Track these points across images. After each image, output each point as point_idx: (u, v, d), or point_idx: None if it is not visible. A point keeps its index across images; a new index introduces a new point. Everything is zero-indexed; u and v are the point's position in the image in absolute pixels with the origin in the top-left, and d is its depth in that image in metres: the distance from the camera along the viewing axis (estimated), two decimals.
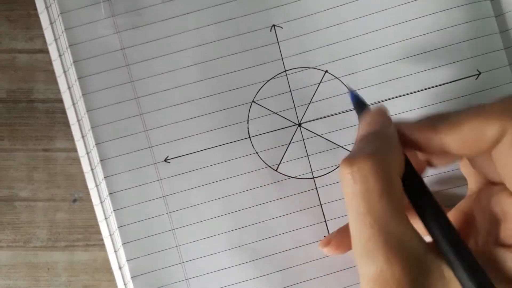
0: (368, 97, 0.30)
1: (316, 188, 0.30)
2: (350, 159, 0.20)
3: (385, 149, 0.20)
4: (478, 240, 0.23)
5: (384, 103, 0.30)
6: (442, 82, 0.29)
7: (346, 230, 0.28)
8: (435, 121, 0.22)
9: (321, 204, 0.30)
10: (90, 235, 0.31)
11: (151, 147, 0.30)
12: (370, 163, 0.19)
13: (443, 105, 0.29)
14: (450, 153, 0.22)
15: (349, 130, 0.30)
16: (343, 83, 0.30)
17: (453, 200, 0.28)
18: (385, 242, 0.19)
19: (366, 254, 0.19)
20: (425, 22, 0.29)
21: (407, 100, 0.30)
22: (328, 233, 0.30)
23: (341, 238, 0.28)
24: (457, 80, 0.29)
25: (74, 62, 0.30)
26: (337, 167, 0.30)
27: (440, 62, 0.29)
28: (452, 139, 0.21)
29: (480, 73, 0.29)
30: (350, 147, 0.30)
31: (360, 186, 0.19)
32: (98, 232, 0.30)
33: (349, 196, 0.20)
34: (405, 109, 0.30)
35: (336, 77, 0.30)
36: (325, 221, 0.30)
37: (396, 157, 0.21)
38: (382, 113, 0.23)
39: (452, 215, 0.25)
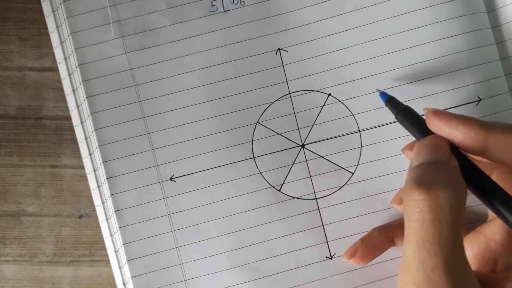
0: (370, 121, 0.31)
1: (319, 209, 0.31)
2: (426, 185, 0.20)
3: (458, 182, 0.21)
4: (497, 266, 0.24)
5: (386, 127, 0.31)
6: (443, 108, 0.30)
7: (370, 240, 0.29)
8: (486, 122, 0.23)
9: (323, 225, 0.31)
10: (96, 251, 0.32)
11: (157, 165, 0.31)
12: (450, 194, 0.20)
13: None
14: (487, 157, 0.22)
15: (351, 152, 0.31)
16: (347, 108, 0.31)
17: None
18: (450, 274, 0.19)
19: (428, 283, 0.19)
20: (428, 49, 0.31)
21: None
22: (330, 253, 0.31)
23: (366, 249, 0.29)
24: (458, 106, 0.30)
25: (83, 81, 0.31)
26: (339, 188, 0.31)
27: (441, 88, 0.31)
28: (497, 143, 0.22)
29: (480, 100, 0.30)
30: (352, 169, 0.31)
31: (434, 214, 0.19)
32: (103, 248, 0.31)
33: (418, 222, 0.20)
34: (405, 134, 0.31)
35: (339, 100, 0.31)
36: (327, 242, 0.31)
37: (465, 191, 0.21)
38: (443, 143, 0.23)
39: (472, 238, 0.26)
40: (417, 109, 0.30)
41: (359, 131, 0.31)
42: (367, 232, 0.30)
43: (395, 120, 0.31)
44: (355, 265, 0.30)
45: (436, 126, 0.24)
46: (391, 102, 0.28)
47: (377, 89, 0.30)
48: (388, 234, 0.29)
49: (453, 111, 0.30)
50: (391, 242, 0.29)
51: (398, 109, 0.27)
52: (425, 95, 0.31)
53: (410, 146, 0.28)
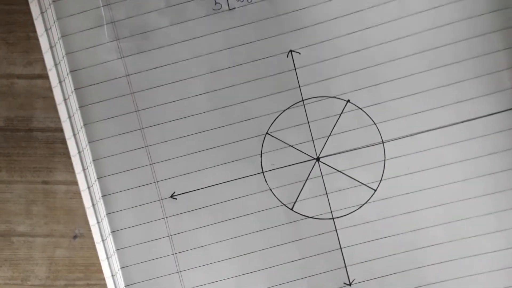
0: (395, 130, 0.28)
1: (336, 230, 0.28)
2: None
3: None
4: None
5: (413, 138, 0.28)
6: (478, 116, 0.28)
7: None
8: None
9: (341, 248, 0.28)
10: (91, 274, 0.30)
11: (157, 182, 0.29)
12: None
13: (478, 141, 0.28)
14: None
15: (374, 166, 0.28)
16: (369, 116, 0.28)
17: None
18: None
19: None
20: (460, 49, 0.28)
21: (438, 134, 0.28)
22: (348, 279, 0.28)
23: None
24: (495, 114, 0.27)
25: (75, 89, 0.29)
26: (360, 207, 0.28)
27: (476, 92, 0.28)
28: None
29: None
30: (374, 185, 0.28)
31: None
32: (100, 271, 0.30)
33: None
34: (438, 144, 0.28)
35: (359, 108, 0.28)
36: (345, 267, 0.28)
37: None
38: None
39: None
40: (450, 117, 0.28)
41: (383, 142, 0.28)
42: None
43: (425, 130, 0.28)
44: None
45: None
46: None
47: None
48: None
49: (491, 118, 0.28)
50: None
51: None
52: (459, 101, 0.28)
53: None
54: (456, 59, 0.28)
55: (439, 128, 0.28)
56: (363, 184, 0.28)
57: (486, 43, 0.28)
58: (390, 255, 0.28)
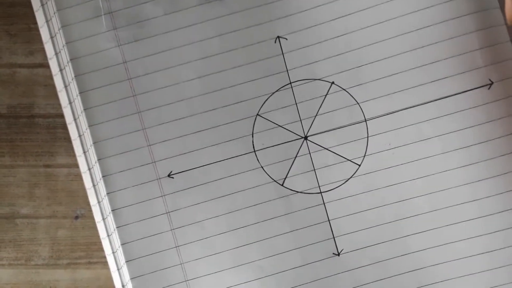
0: (377, 109, 0.30)
1: (324, 203, 0.30)
2: None
3: None
4: None
5: (394, 115, 0.30)
6: (453, 93, 0.30)
7: None
8: None
9: (329, 220, 0.30)
10: (93, 253, 0.32)
11: (154, 162, 0.31)
12: None
13: (454, 116, 0.30)
14: None
15: (358, 143, 0.31)
16: (352, 96, 0.30)
17: None
18: None
19: None
20: (436, 30, 0.30)
21: (417, 111, 0.30)
22: (337, 250, 0.30)
23: None
24: (469, 91, 0.30)
25: (75, 76, 0.31)
26: (345, 181, 0.30)
27: (450, 71, 0.30)
28: None
29: (492, 83, 0.30)
30: (358, 161, 0.30)
31: None
32: (101, 249, 0.31)
33: None
34: (415, 121, 0.30)
35: (343, 89, 0.31)
36: (334, 238, 0.30)
37: None
38: None
39: None
40: (428, 95, 0.30)
41: (365, 120, 0.30)
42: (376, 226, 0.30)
43: (403, 108, 0.30)
44: None
45: None
46: None
47: None
48: None
49: (464, 95, 0.30)
50: None
51: None
52: (434, 80, 0.30)
53: None
54: (433, 40, 0.30)
55: (417, 105, 0.30)
56: (348, 160, 0.31)
57: (460, 25, 0.30)
58: (375, 226, 0.30)
